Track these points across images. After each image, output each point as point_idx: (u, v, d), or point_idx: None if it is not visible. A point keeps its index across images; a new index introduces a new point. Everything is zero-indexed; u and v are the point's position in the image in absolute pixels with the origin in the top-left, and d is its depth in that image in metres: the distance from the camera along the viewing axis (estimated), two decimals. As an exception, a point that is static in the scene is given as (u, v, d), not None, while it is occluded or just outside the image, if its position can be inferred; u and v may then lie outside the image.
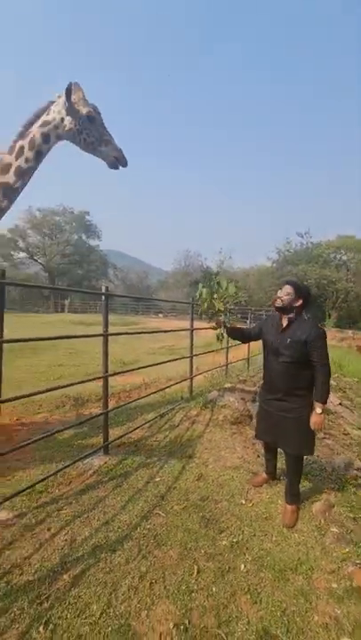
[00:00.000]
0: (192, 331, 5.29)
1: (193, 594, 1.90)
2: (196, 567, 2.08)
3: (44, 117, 3.05)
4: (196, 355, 5.49)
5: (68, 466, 3.10)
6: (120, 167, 3.27)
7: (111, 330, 3.58)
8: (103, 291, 3.41)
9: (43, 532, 2.35)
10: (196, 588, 1.95)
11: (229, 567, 2.10)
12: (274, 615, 1.80)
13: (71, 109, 3.03)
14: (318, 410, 2.43)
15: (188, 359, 5.38)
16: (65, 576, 1.98)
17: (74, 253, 39.82)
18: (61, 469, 3.02)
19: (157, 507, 2.66)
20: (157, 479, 3.07)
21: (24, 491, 2.67)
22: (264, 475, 3.07)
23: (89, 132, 3.09)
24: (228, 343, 7.33)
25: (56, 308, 35.66)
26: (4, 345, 2.66)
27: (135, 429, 4.09)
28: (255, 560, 2.17)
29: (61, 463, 3.26)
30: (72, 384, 3.28)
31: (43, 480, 2.84)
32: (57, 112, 3.05)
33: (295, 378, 2.51)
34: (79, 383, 3.35)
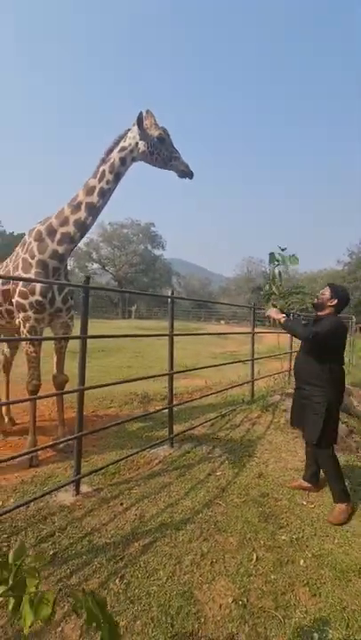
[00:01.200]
0: (253, 335, 5.34)
1: (251, 577, 2.01)
2: (255, 555, 2.18)
3: (121, 144, 3.49)
4: (257, 358, 5.51)
5: (137, 452, 3.43)
6: (187, 178, 3.64)
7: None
8: (169, 295, 3.70)
9: (116, 505, 2.66)
10: (254, 572, 2.05)
11: (288, 560, 2.16)
12: (334, 610, 1.82)
13: (143, 134, 3.43)
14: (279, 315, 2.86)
15: (250, 362, 5.43)
16: (136, 544, 2.24)
17: (140, 263, 42.07)
18: (131, 455, 3.36)
19: (218, 497, 2.80)
20: (218, 473, 3.21)
21: (100, 470, 3.05)
22: (301, 480, 3.02)
23: (160, 151, 3.47)
24: (291, 348, 7.16)
25: (123, 314, 37.93)
26: (78, 346, 3.10)
27: (197, 426, 4.29)
28: (315, 557, 2.19)
29: (131, 450, 3.60)
30: (140, 378, 3.61)
31: (115, 462, 3.20)
32: (132, 138, 3.46)
33: (311, 368, 2.69)
34: (149, 378, 3.68)
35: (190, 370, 4.40)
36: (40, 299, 3.47)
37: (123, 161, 3.46)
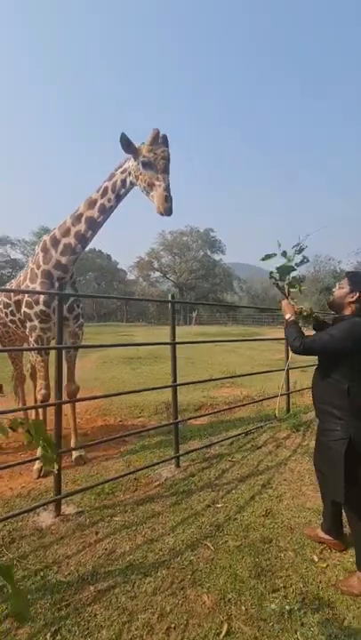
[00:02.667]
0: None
1: (213, 661, 1.54)
2: (227, 626, 1.69)
3: (125, 164, 3.24)
4: (293, 368, 4.79)
5: (136, 472, 3.13)
6: (162, 215, 3.00)
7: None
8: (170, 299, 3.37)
9: (90, 534, 2.39)
10: (219, 654, 1.57)
11: (270, 642, 1.62)
12: None
13: (135, 157, 3.10)
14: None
15: (284, 372, 4.73)
16: (91, 587, 1.93)
17: (200, 269, 42.17)
18: (130, 473, 3.09)
19: (209, 537, 2.34)
20: (219, 505, 2.73)
21: (81, 491, 2.85)
22: (319, 530, 2.31)
23: (143, 176, 3.06)
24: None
25: (185, 320, 38.24)
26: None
27: (214, 444, 3.82)
28: (310, 645, 1.61)
29: (133, 467, 3.33)
30: (139, 390, 3.31)
31: (110, 480, 2.95)
32: (133, 160, 3.17)
33: (325, 391, 2.03)
34: (151, 390, 3.36)
35: (199, 382, 3.95)
36: (44, 308, 3.44)
37: (123, 183, 3.24)
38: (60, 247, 3.39)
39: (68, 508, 2.72)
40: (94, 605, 1.82)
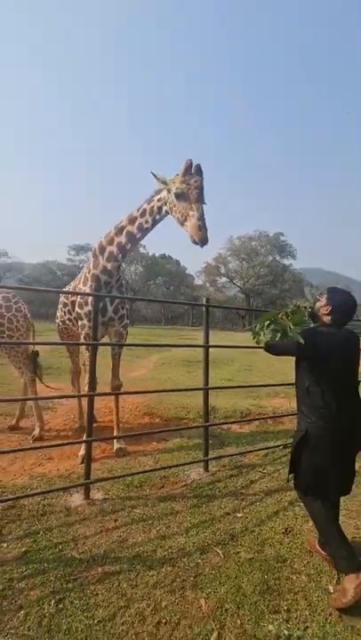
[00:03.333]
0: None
1: (195, 664, 1.53)
2: (216, 635, 1.65)
3: (162, 193, 3.36)
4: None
5: (163, 469, 3.23)
6: (198, 244, 3.02)
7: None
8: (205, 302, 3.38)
9: (110, 521, 2.54)
10: (204, 659, 1.55)
11: (260, 662, 1.54)
12: None
13: (170, 189, 3.19)
14: None
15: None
16: (99, 569, 2.06)
17: (268, 274, 40.81)
18: (156, 470, 3.19)
19: (221, 545, 2.30)
20: (239, 515, 2.65)
21: (108, 479, 3.05)
22: (317, 541, 2.26)
23: (177, 208, 3.12)
24: None
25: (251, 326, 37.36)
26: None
27: (248, 452, 3.71)
28: None
29: (165, 465, 3.43)
30: (164, 390, 3.37)
31: (138, 473, 3.09)
32: (167, 190, 3.27)
33: (296, 387, 2.24)
34: (179, 391, 3.42)
35: (229, 387, 3.86)
36: (91, 309, 3.77)
37: (159, 210, 3.41)
38: (106, 254, 3.68)
39: (97, 494, 2.93)
40: (98, 585, 1.94)
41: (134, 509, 2.70)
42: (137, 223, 3.51)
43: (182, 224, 3.13)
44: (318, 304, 2.17)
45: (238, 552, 2.24)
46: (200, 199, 3.07)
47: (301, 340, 1.97)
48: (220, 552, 2.23)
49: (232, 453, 3.65)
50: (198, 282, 49.44)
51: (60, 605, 1.80)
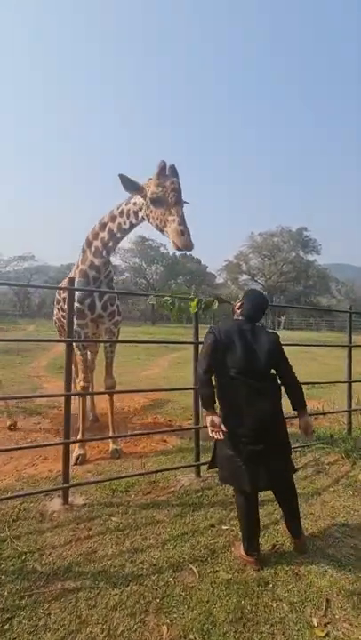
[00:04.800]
0: (350, 348, 3.90)
1: None
2: (172, 672, 1.43)
3: (137, 197, 3.07)
4: (355, 381, 3.98)
5: (152, 473, 3.03)
6: (182, 251, 2.83)
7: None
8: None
9: (83, 530, 2.37)
10: None
11: None
12: None
13: (144, 195, 2.94)
14: None
15: (347, 386, 3.98)
16: (59, 584, 1.89)
17: (291, 271, 39.61)
18: (143, 474, 3.00)
19: (199, 561, 2.07)
20: (225, 527, 2.40)
21: (87, 484, 2.90)
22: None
23: (154, 214, 2.87)
24: None
25: (273, 324, 36.42)
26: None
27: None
28: None
29: (159, 466, 3.26)
30: (157, 390, 3.16)
31: (122, 478, 2.91)
32: (142, 196, 2.99)
33: None
34: (171, 390, 3.21)
35: None
36: (78, 305, 3.63)
37: (135, 214, 3.16)
38: (93, 249, 3.52)
39: (78, 499, 2.77)
40: (53, 603, 1.77)
41: (112, 517, 2.51)
42: (116, 222, 3.31)
43: (162, 231, 2.86)
44: (237, 302, 2.30)
45: (216, 571, 2.00)
46: (179, 202, 2.79)
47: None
48: (195, 570, 2.00)
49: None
50: (219, 280, 48.88)
51: (7, 626, 1.64)
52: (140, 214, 3.12)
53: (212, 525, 2.42)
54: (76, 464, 3.60)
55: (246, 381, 1.98)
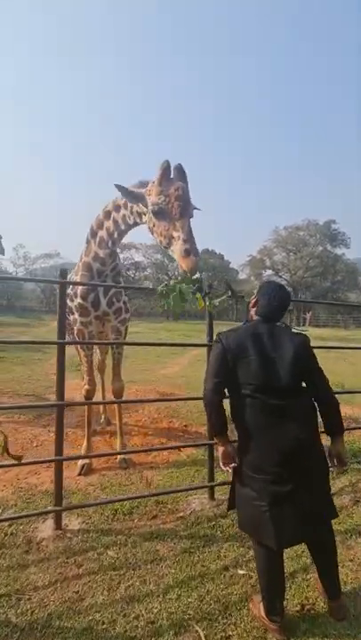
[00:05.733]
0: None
1: None
2: None
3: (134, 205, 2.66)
4: None
5: (156, 495, 2.64)
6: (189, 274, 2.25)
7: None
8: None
9: (72, 567, 2.01)
10: None
11: None
12: None
13: (146, 203, 2.49)
14: None
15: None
16: (33, 644, 1.54)
17: (317, 265, 38.00)
18: (147, 496, 2.61)
19: (207, 621, 1.65)
20: (242, 572, 1.97)
21: (81, 507, 2.52)
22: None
23: (158, 230, 2.42)
24: None
25: (298, 321, 35.14)
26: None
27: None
28: None
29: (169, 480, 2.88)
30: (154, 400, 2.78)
31: (123, 500, 2.54)
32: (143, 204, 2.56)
33: None
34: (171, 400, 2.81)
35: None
36: (81, 301, 3.30)
37: (139, 216, 2.71)
38: (98, 239, 3.15)
39: (74, 521, 2.44)
40: (21, 674, 1.42)
41: (108, 550, 2.15)
42: (121, 213, 2.89)
43: (167, 248, 2.40)
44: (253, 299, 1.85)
45: (228, 637, 1.58)
46: (185, 213, 2.32)
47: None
48: (201, 634, 1.59)
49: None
50: (242, 276, 47.83)
51: None
52: (145, 219, 2.67)
53: (226, 568, 2.00)
54: (80, 474, 3.30)
55: (267, 401, 1.54)
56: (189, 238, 2.25)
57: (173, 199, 2.31)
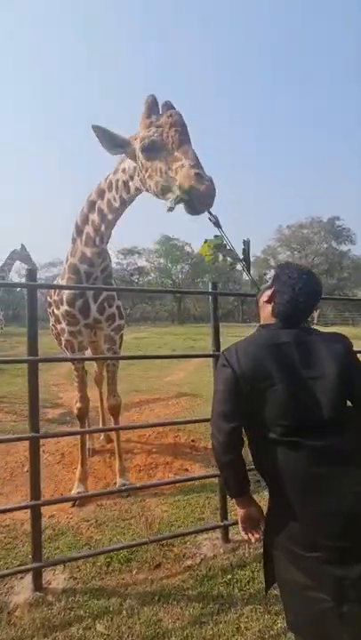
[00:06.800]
0: None
1: None
2: None
3: (125, 162, 2.32)
4: None
5: (158, 540, 2.18)
6: (204, 212, 1.80)
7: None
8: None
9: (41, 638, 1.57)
10: None
11: None
12: None
13: (131, 153, 2.14)
14: None
15: None
16: None
17: (322, 263, 37.39)
18: (146, 542, 2.15)
19: None
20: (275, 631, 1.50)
21: (63, 562, 2.06)
22: None
23: (152, 172, 1.99)
24: None
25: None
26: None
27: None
28: None
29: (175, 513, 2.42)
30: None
31: (128, 547, 2.09)
32: (130, 156, 2.20)
33: None
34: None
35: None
36: (68, 308, 2.88)
37: (125, 185, 2.36)
38: (84, 237, 2.74)
39: (57, 577, 2.00)
40: None
41: (98, 622, 1.69)
42: (106, 198, 2.51)
43: (164, 191, 1.94)
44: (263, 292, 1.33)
45: None
46: (185, 139, 1.89)
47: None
48: None
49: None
50: (247, 277, 47.36)
51: None
52: (132, 185, 2.29)
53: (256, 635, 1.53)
54: (74, 505, 2.88)
55: (305, 444, 1.05)
56: (197, 164, 1.79)
57: (168, 127, 1.90)
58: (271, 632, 1.61)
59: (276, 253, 40.50)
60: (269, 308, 1.27)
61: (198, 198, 1.75)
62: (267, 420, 1.09)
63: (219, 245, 1.76)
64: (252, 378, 1.11)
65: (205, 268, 43.45)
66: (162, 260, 42.91)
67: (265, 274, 42.60)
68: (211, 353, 2.33)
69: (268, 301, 1.28)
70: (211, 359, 2.39)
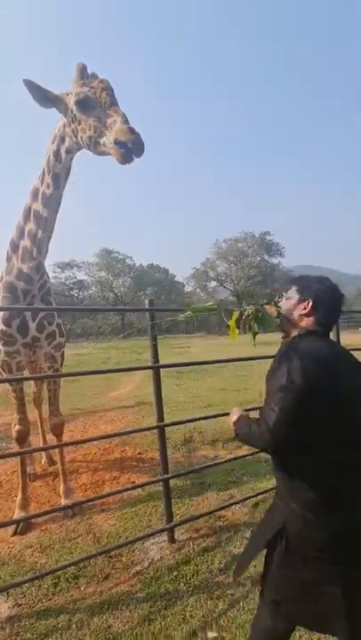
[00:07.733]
0: None
1: None
2: None
3: (56, 129, 2.46)
4: None
5: (105, 552, 2.22)
6: (126, 162, 2.08)
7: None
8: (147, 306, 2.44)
9: None
10: None
11: None
12: None
13: (64, 108, 2.31)
14: None
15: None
16: None
17: (257, 274, 40.25)
18: (104, 552, 2.18)
19: None
20: (212, 635, 1.66)
21: (13, 586, 1.98)
22: None
23: (85, 126, 2.19)
24: None
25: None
26: None
27: (232, 505, 2.71)
28: None
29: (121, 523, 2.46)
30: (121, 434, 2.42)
31: (78, 562, 2.08)
32: (63, 117, 2.38)
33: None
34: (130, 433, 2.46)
35: (187, 421, 2.93)
36: (4, 328, 2.80)
37: (56, 156, 2.46)
38: (20, 252, 2.72)
39: (1, 607, 1.93)
40: None
41: (46, 640, 1.70)
42: (39, 195, 2.55)
43: (98, 143, 2.15)
44: (287, 303, 1.30)
45: None
46: (115, 101, 2.17)
47: None
48: None
49: (206, 511, 2.63)
50: (188, 288, 48.72)
51: None
52: (64, 147, 2.41)
53: (194, 633, 1.67)
54: (15, 534, 2.75)
55: (348, 458, 1.10)
56: (127, 120, 2.04)
57: (100, 90, 2.14)
58: (213, 615, 1.77)
59: (215, 266, 42.51)
60: (311, 319, 1.25)
61: (134, 146, 2.00)
62: (315, 432, 1.10)
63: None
64: (323, 388, 1.09)
65: (147, 281, 43.80)
66: (103, 274, 42.20)
67: (205, 285, 44.34)
68: (150, 365, 2.46)
69: (309, 314, 1.25)
70: (151, 376, 2.50)
